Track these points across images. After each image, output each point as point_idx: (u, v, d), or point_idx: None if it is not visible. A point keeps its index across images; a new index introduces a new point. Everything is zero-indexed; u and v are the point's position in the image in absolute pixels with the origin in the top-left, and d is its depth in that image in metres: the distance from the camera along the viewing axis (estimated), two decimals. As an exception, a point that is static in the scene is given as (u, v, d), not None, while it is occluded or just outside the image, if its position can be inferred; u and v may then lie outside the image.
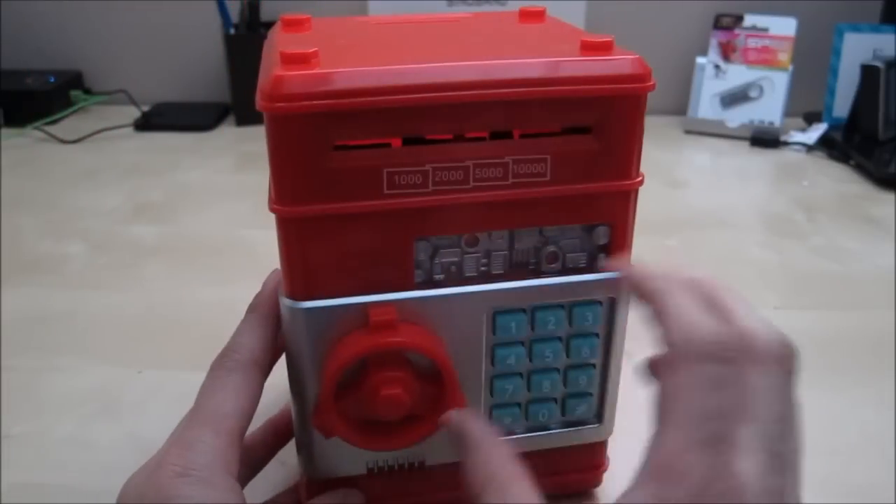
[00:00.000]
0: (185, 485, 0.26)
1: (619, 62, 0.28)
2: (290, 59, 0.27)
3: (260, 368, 0.31)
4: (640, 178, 0.30)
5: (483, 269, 0.31)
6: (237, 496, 0.27)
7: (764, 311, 0.61)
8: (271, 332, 0.32)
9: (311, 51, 0.27)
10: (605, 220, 0.31)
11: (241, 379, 0.30)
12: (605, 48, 0.29)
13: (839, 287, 0.61)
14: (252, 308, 0.32)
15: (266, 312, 0.32)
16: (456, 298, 0.30)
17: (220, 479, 0.27)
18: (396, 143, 0.28)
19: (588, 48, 0.29)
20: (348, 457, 0.32)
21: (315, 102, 0.26)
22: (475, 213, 0.29)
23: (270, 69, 0.27)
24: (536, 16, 0.38)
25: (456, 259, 0.30)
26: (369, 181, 0.28)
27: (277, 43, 0.32)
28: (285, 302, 0.30)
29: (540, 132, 0.29)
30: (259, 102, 0.26)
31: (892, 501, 0.39)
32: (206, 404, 0.29)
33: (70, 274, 0.63)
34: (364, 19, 0.41)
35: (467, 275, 0.31)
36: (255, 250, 0.65)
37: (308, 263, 0.29)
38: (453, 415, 0.29)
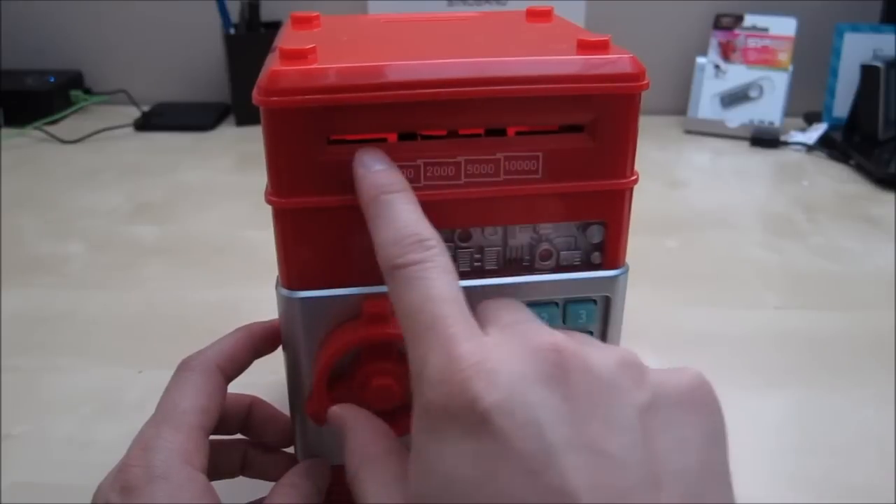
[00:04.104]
0: (146, 483, 0.26)
1: (613, 61, 0.28)
2: (288, 55, 0.27)
3: (222, 373, 0.31)
4: (634, 178, 0.30)
5: (476, 264, 0.31)
6: (197, 487, 0.27)
7: (764, 311, 0.61)
8: (246, 347, 0.32)
9: (308, 47, 0.27)
10: (599, 218, 0.31)
11: (200, 378, 0.30)
12: (601, 47, 0.29)
13: (839, 287, 0.61)
14: (242, 326, 0.33)
15: (252, 331, 0.33)
16: None
17: (177, 474, 0.27)
18: (392, 137, 0.29)
19: (584, 47, 0.29)
20: None
21: (309, 97, 0.26)
22: (467, 209, 0.30)
23: (269, 64, 0.28)
24: (543, 15, 0.38)
25: (449, 254, 0.31)
26: None
27: (281, 39, 0.32)
28: (281, 292, 0.30)
29: (533, 130, 0.29)
30: (255, 97, 0.27)
31: (892, 501, 0.39)
32: (163, 404, 0.30)
33: (70, 274, 0.63)
34: (373, 17, 0.41)
35: (460, 270, 0.31)
36: (255, 250, 0.65)
37: (303, 254, 0.29)
38: (334, 408, 0.29)
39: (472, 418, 0.20)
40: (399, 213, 0.25)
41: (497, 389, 0.20)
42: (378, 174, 0.27)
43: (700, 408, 0.22)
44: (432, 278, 0.24)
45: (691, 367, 0.23)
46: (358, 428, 0.27)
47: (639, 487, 0.20)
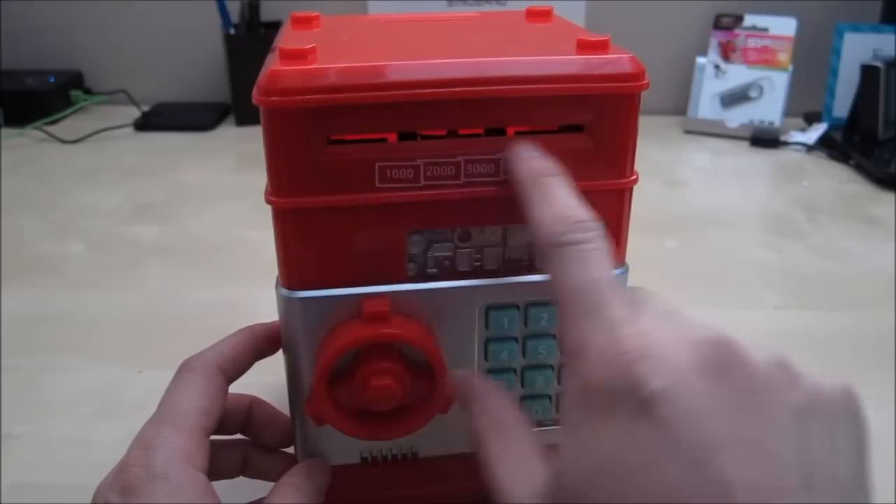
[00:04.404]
0: (146, 483, 0.26)
1: (613, 61, 0.28)
2: (288, 55, 0.27)
3: (223, 374, 0.31)
4: (634, 178, 0.30)
5: (476, 264, 0.31)
6: (198, 487, 0.27)
7: (764, 311, 0.61)
8: (247, 349, 0.32)
9: (308, 47, 0.27)
10: (599, 218, 0.31)
11: (201, 379, 0.30)
12: (601, 47, 0.29)
13: (839, 287, 0.61)
14: (244, 328, 0.33)
15: (254, 332, 0.33)
16: (449, 292, 0.30)
17: (177, 474, 0.27)
18: (392, 137, 0.29)
19: (584, 47, 0.29)
20: (342, 445, 0.33)
21: (309, 97, 0.26)
22: (467, 209, 0.30)
23: (268, 65, 0.28)
24: (543, 15, 0.38)
25: (449, 253, 0.31)
26: (361, 175, 0.28)
27: (281, 39, 0.32)
28: (281, 292, 0.30)
29: (533, 130, 0.29)
30: (255, 97, 0.27)
31: (893, 502, 0.39)
32: (165, 404, 0.30)
33: (70, 274, 0.63)
34: (373, 17, 0.42)
35: (460, 269, 0.31)
36: (255, 250, 0.65)
37: (303, 254, 0.29)
38: (459, 371, 0.30)
39: (635, 401, 0.20)
40: (561, 194, 0.26)
41: (662, 376, 0.20)
42: (535, 160, 0.28)
43: (852, 417, 0.22)
44: (595, 259, 0.24)
45: (841, 376, 0.23)
46: (488, 394, 0.28)
47: (794, 489, 0.20)
